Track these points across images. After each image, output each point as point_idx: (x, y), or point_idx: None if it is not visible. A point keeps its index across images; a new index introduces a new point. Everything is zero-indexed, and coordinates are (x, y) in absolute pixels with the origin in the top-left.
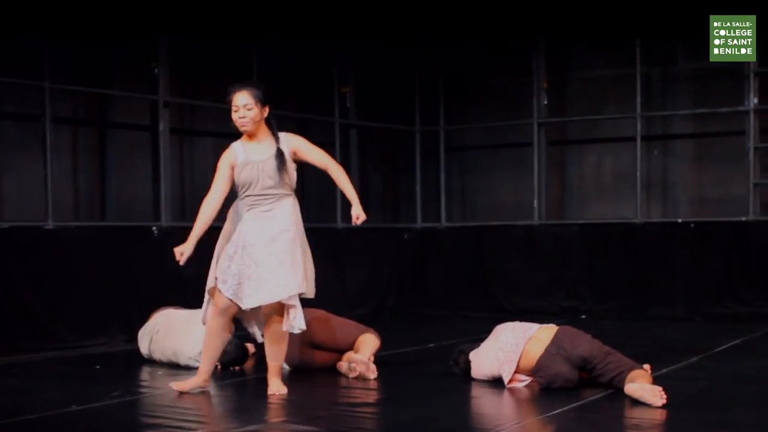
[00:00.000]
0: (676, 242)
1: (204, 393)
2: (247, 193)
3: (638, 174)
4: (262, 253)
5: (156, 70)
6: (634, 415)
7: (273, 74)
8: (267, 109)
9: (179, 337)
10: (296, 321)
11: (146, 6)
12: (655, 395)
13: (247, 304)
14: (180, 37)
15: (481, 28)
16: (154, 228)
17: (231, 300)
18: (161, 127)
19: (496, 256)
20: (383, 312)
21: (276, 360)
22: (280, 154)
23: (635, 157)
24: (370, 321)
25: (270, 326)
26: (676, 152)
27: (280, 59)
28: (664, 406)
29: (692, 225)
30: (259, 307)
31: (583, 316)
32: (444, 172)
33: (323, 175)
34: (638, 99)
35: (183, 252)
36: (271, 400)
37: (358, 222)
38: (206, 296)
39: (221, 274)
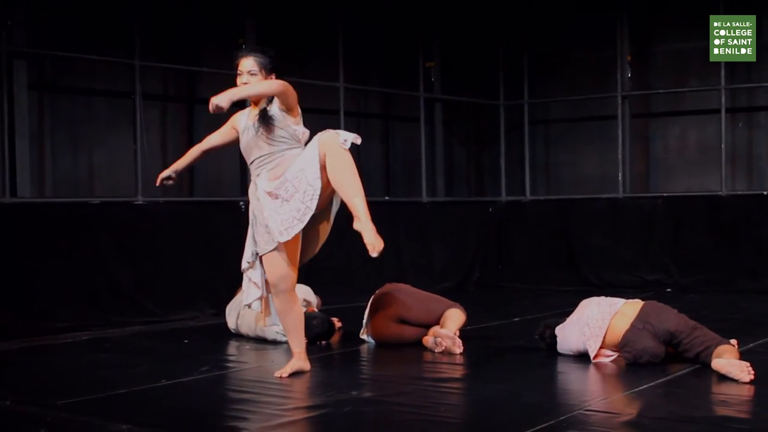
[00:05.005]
0: (762, 214)
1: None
2: (249, 161)
3: (723, 146)
4: (268, 205)
5: (243, 47)
6: (722, 390)
7: (358, 49)
8: (273, 77)
9: None
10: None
11: None
12: (743, 371)
13: (283, 238)
14: (266, 13)
15: (565, 1)
16: (241, 203)
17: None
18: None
19: (580, 230)
20: (468, 286)
21: (356, 194)
22: (263, 114)
23: (720, 130)
24: (454, 295)
25: (328, 166)
26: (761, 124)
27: (365, 35)
28: (751, 382)
29: None
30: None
31: (669, 290)
32: (528, 146)
33: (408, 150)
34: (722, 72)
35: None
36: (362, 374)
37: None
38: (245, 277)
39: (255, 248)
